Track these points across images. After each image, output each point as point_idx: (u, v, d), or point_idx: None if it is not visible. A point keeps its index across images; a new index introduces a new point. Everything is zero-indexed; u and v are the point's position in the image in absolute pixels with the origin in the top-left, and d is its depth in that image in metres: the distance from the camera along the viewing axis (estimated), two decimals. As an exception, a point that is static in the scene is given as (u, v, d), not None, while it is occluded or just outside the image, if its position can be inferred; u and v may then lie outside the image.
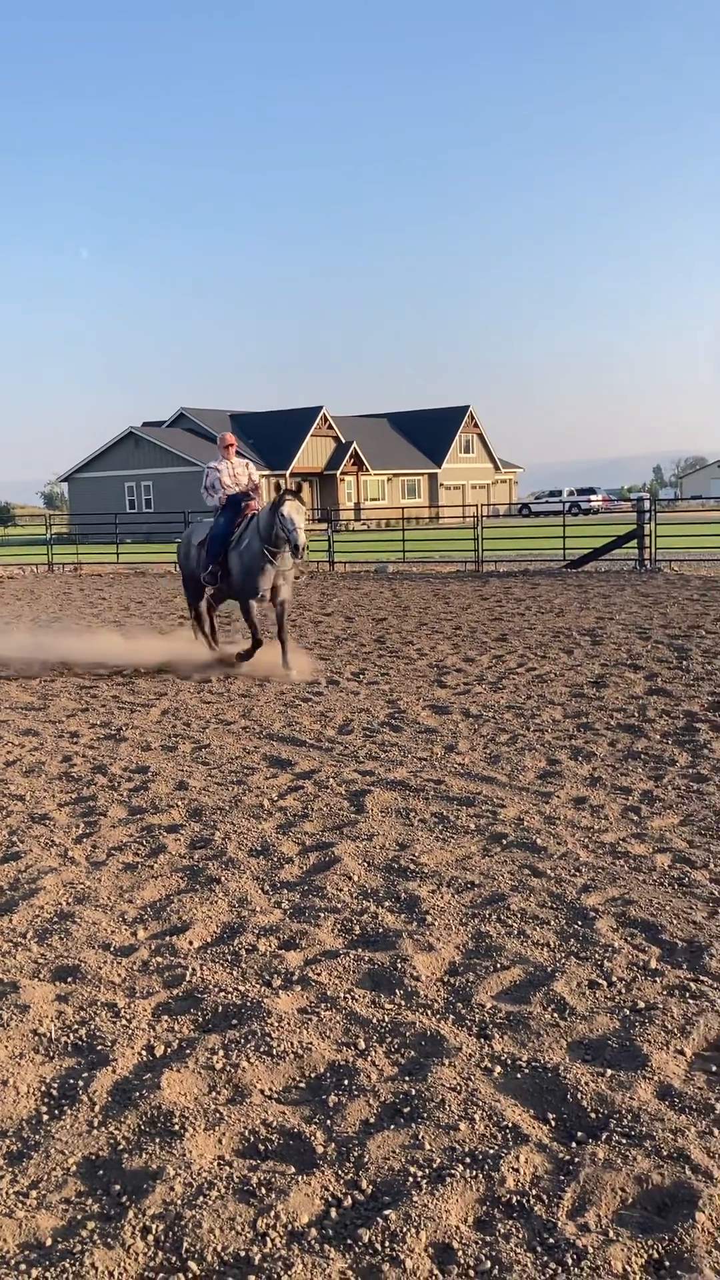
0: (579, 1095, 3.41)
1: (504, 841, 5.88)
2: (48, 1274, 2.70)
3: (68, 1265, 2.72)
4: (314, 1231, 2.84)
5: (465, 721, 9.01)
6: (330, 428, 66.65)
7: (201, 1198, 2.96)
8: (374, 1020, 3.94)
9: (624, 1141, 3.17)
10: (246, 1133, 3.29)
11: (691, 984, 4.16)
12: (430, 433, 75.31)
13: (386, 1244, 2.76)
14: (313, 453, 65.18)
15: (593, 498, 72.93)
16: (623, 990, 4.13)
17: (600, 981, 4.20)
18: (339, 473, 66.07)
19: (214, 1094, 3.50)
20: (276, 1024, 3.89)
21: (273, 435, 64.39)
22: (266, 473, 61.85)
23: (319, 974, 4.31)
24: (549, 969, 4.31)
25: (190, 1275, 2.69)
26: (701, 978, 4.22)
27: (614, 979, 4.22)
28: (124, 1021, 3.99)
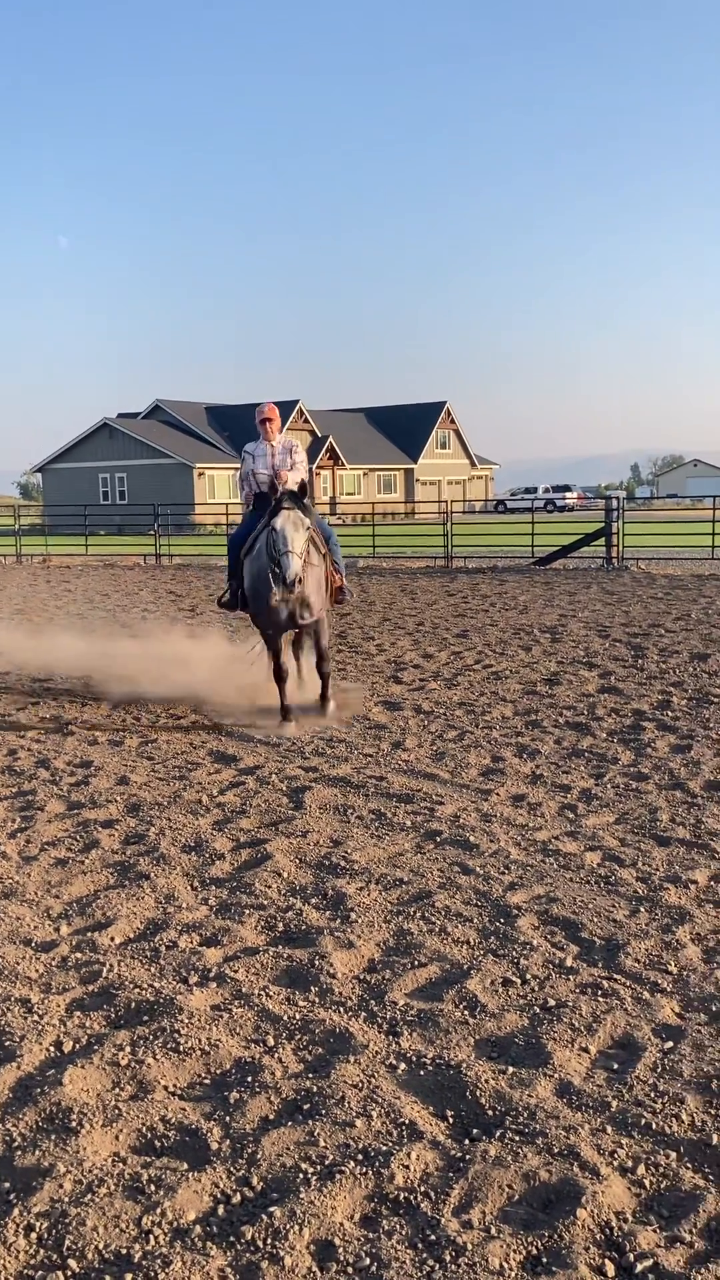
0: (478, 1093, 3.43)
1: (438, 839, 5.90)
2: None
3: (-52, 1263, 2.71)
4: (198, 1229, 2.84)
5: (415, 718, 9.03)
6: (306, 421, 66.57)
7: (90, 1195, 2.96)
8: (285, 1017, 3.95)
9: (517, 1139, 3.19)
10: (144, 1129, 3.29)
11: (604, 982, 4.19)
12: (407, 428, 75.33)
13: (269, 1241, 2.77)
14: (288, 446, 65.09)
15: (568, 495, 73.22)
16: (535, 988, 4.16)
17: (514, 979, 4.23)
18: (314, 467, 65.98)
19: (117, 1090, 3.50)
20: (187, 1021, 3.90)
21: (249, 428, 64.23)
22: (238, 465, 61.72)
23: (236, 971, 4.31)
24: (465, 967, 4.33)
25: (70, 1273, 2.69)
26: (615, 976, 4.25)
27: (528, 977, 4.25)
28: (35, 1017, 3.99)
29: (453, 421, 78.14)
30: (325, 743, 8.21)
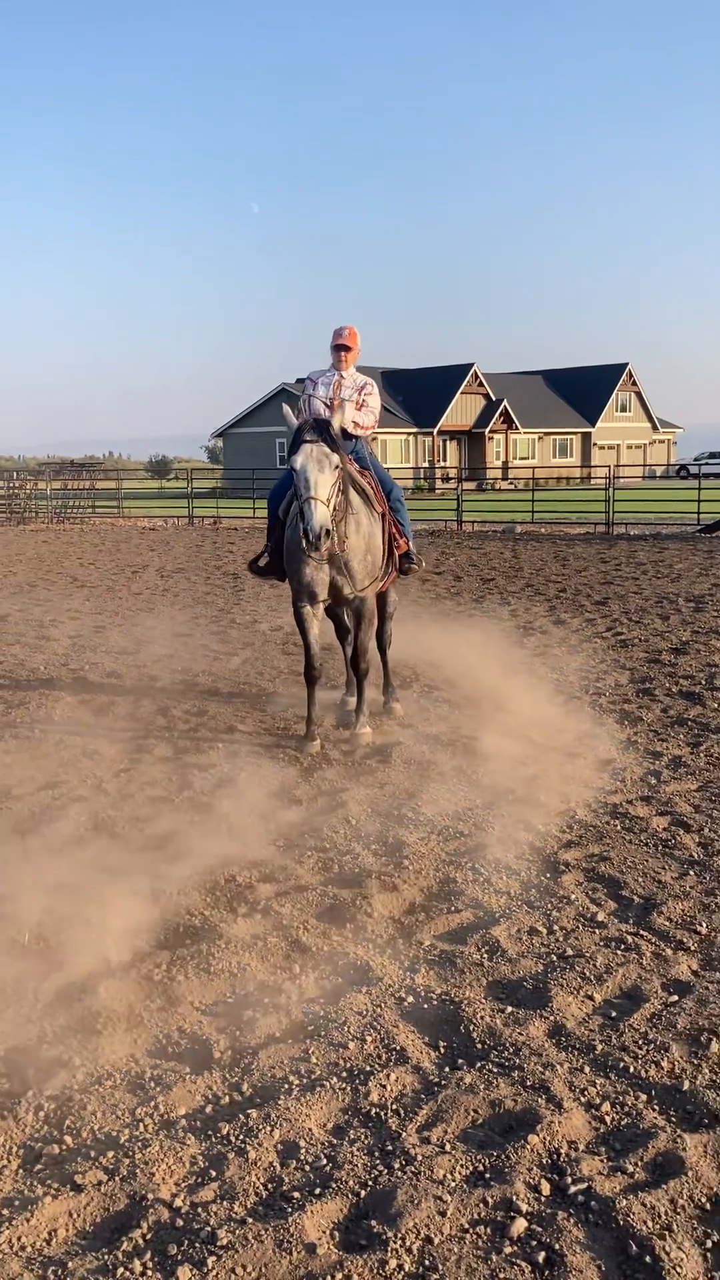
0: (471, 1028, 3.63)
1: (510, 797, 6.04)
2: (-52, 1136, 3.09)
3: (-33, 1130, 3.10)
4: (184, 1122, 3.15)
5: (528, 683, 9.11)
6: (480, 385, 66.10)
7: (97, 1086, 3.31)
8: (315, 949, 4.22)
9: (495, 1070, 3.38)
10: (160, 1036, 3.63)
11: (630, 937, 4.30)
12: (586, 391, 73.83)
13: (240, 1137, 3.06)
14: (461, 410, 64.81)
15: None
16: (560, 939, 4.30)
17: (541, 929, 4.38)
18: (488, 430, 65.56)
19: (147, 1001, 3.85)
20: (224, 946, 4.21)
21: (422, 392, 64.28)
22: (413, 430, 61.84)
23: (283, 905, 4.60)
24: (497, 915, 4.51)
25: (63, 1146, 3.05)
26: (642, 932, 4.35)
27: (555, 928, 4.39)
28: (94, 934, 4.37)
29: (634, 383, 76.12)
30: (432, 704, 8.40)
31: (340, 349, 7.58)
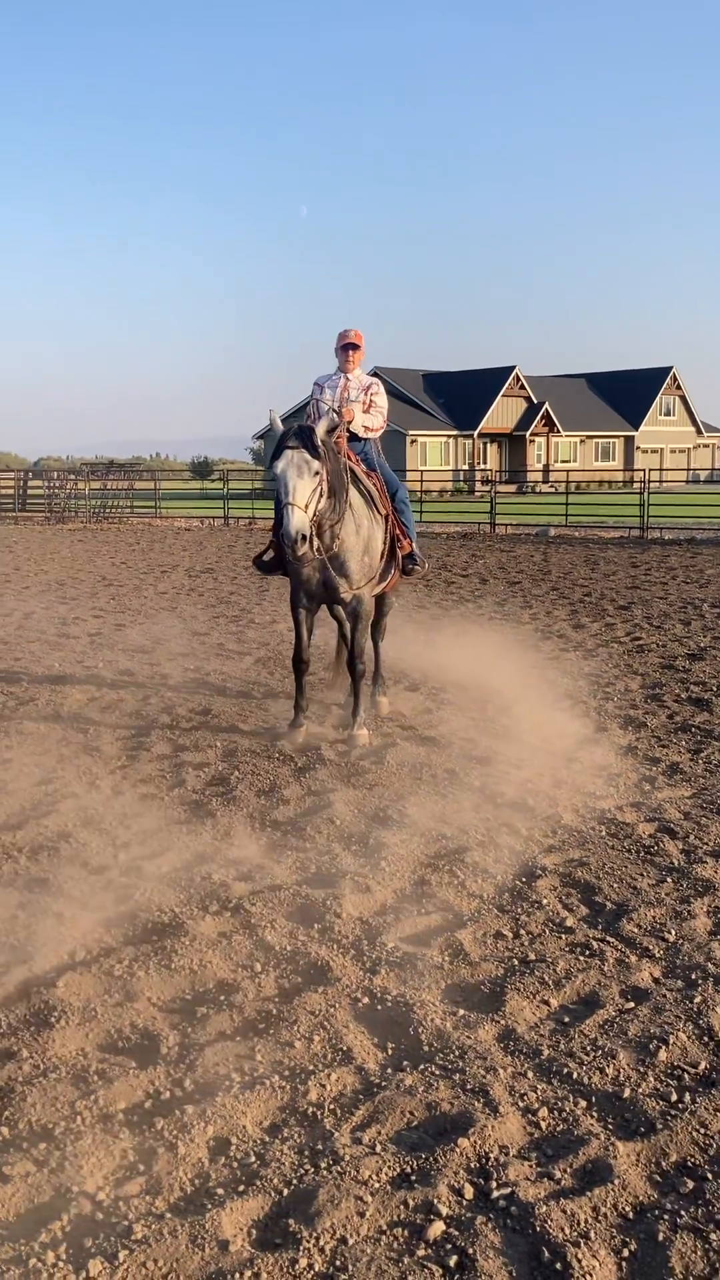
0: (420, 1030, 3.62)
1: (498, 801, 6.02)
2: None
3: None
4: (121, 1116, 3.18)
5: (536, 688, 9.07)
6: (522, 388, 65.84)
7: (40, 1078, 3.34)
8: (279, 948, 4.23)
9: (436, 1073, 3.37)
10: (112, 1031, 3.65)
11: (595, 943, 4.27)
12: (629, 394, 73.29)
13: (173, 1132, 3.08)
14: (502, 413, 64.59)
15: None
16: (525, 943, 4.28)
17: (507, 934, 4.36)
18: (529, 434, 65.28)
19: (105, 996, 3.87)
20: (188, 943, 4.23)
21: (463, 395, 64.14)
22: (453, 432, 61.67)
23: (254, 904, 4.62)
24: (466, 918, 4.49)
25: (1, 1138, 3.08)
26: (608, 938, 4.32)
27: (521, 932, 4.37)
28: (63, 928, 4.41)
29: (679, 387, 75.45)
30: (437, 704, 8.38)
31: (348, 348, 7.64)
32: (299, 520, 6.46)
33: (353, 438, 7.71)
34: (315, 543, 6.73)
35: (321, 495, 6.68)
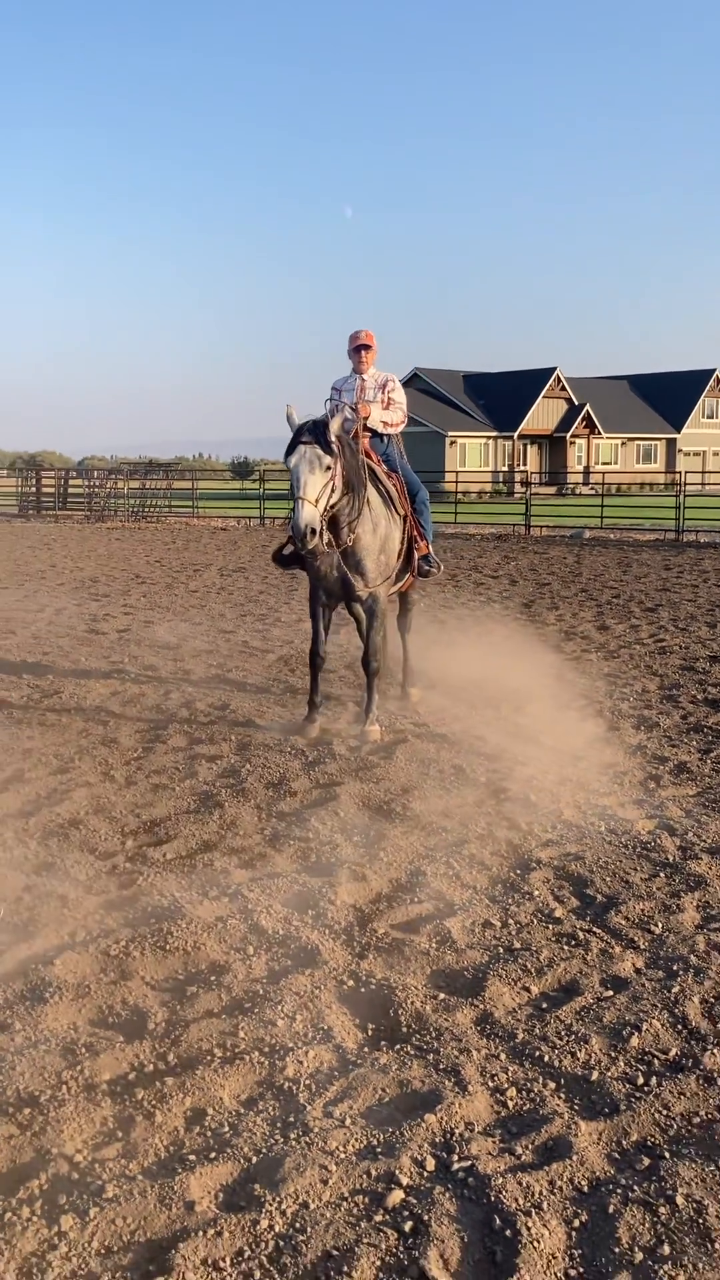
0: (401, 1012, 3.73)
1: (502, 795, 6.10)
2: None
3: None
4: (105, 1087, 3.31)
5: (553, 687, 9.14)
6: (563, 389, 65.64)
7: (30, 1049, 3.49)
8: (272, 932, 4.35)
9: (412, 1053, 3.48)
10: (104, 1007, 3.79)
11: (581, 933, 4.36)
12: (672, 396, 72.83)
13: (152, 1101, 3.21)
14: (543, 414, 64.42)
15: None
16: (512, 932, 4.38)
17: (495, 923, 4.46)
18: (569, 435, 65.06)
19: (100, 975, 4.02)
20: (185, 926, 4.36)
21: (503, 396, 64.04)
22: (493, 434, 61.60)
23: (252, 891, 4.74)
24: (457, 907, 4.59)
25: (-12, 1103, 3.23)
26: (595, 929, 4.41)
27: (510, 922, 4.47)
28: (66, 910, 4.56)
29: (723, 389, 74.88)
30: (451, 701, 8.48)
31: (361, 349, 7.81)
32: (309, 514, 6.56)
33: (374, 435, 7.84)
34: (326, 536, 6.83)
35: (334, 490, 6.78)
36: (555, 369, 64.95)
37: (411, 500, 7.91)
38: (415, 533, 7.91)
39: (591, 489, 57.32)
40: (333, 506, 6.84)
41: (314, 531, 6.60)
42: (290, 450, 6.78)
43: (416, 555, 7.95)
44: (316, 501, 6.62)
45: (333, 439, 6.74)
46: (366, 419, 7.60)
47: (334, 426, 6.78)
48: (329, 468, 6.72)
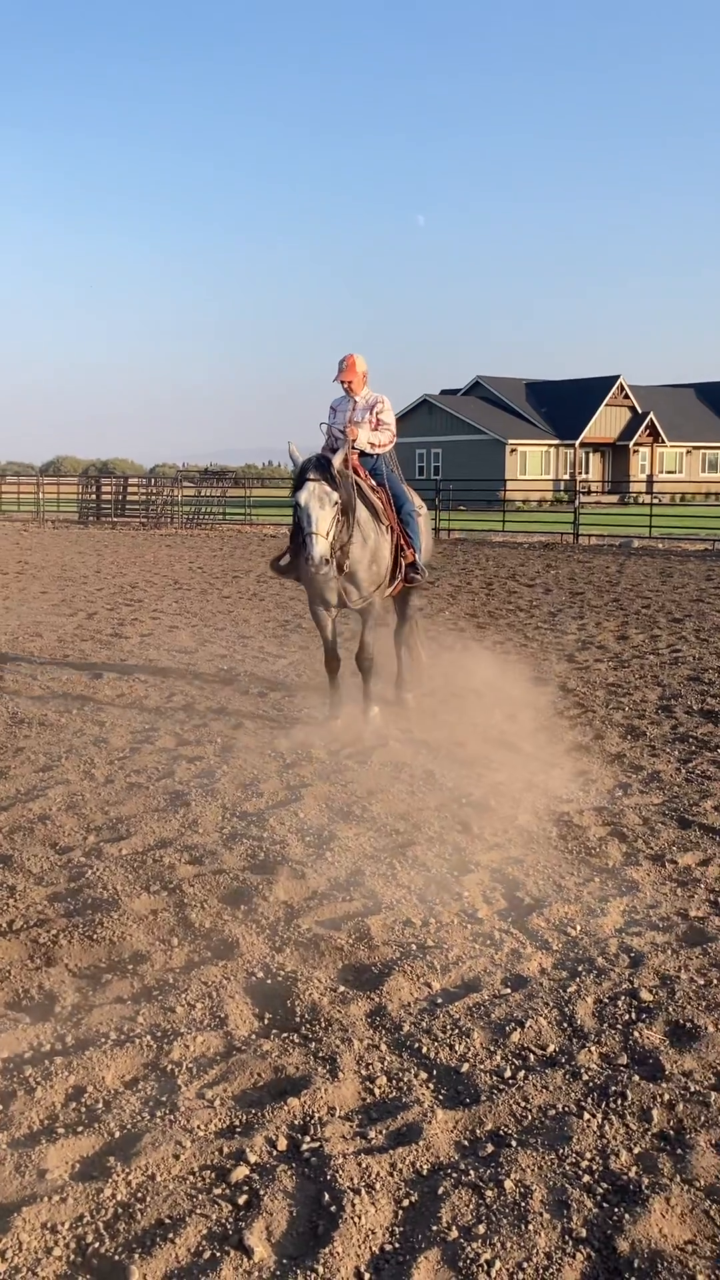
0: (297, 1003, 3.88)
1: (464, 800, 6.21)
2: None
3: None
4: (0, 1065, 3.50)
5: (553, 696, 9.20)
6: (626, 397, 65.08)
7: (-65, 1028, 3.69)
8: (199, 925, 4.52)
9: (295, 1040, 3.63)
10: (20, 990, 4.00)
11: (498, 934, 4.47)
12: (739, 405, 71.85)
13: (37, 1079, 3.39)
14: (605, 423, 63.95)
15: None
16: (430, 931, 4.49)
17: (415, 921, 4.58)
18: (632, 444, 64.50)
19: (25, 961, 4.22)
20: (116, 917, 4.55)
21: (565, 404, 63.69)
22: (554, 442, 61.33)
23: (193, 886, 4.92)
24: (383, 906, 4.72)
25: None
26: (513, 930, 4.51)
27: (431, 920, 4.58)
28: (11, 901, 4.78)
29: None
30: (447, 709, 8.59)
31: (343, 384, 8.19)
32: (322, 548, 7.18)
33: (363, 454, 8.21)
34: (333, 561, 7.42)
35: (338, 521, 7.38)
36: (618, 377, 64.46)
37: (398, 511, 8.24)
38: (403, 541, 8.21)
39: (655, 498, 56.79)
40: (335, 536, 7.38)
41: (326, 561, 7.22)
42: (299, 485, 7.30)
43: (404, 563, 8.23)
44: (327, 534, 7.21)
45: (336, 474, 7.28)
46: (354, 440, 7.97)
47: (336, 462, 7.34)
48: (336, 502, 7.29)
